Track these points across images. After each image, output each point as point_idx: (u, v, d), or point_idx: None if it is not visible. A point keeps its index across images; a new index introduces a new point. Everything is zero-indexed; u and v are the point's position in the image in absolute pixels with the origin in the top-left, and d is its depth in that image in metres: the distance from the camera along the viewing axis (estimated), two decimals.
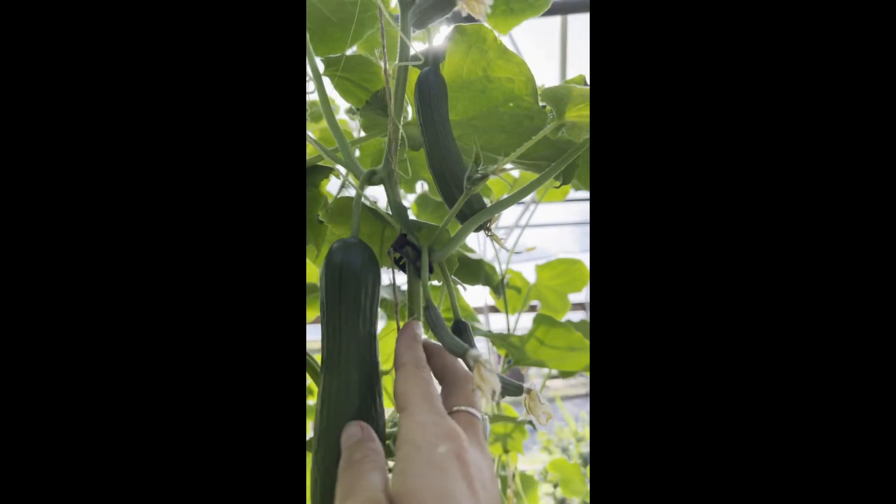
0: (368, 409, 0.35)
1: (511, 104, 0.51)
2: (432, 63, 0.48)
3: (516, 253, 1.15)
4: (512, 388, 0.37)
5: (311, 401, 0.95)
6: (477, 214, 0.46)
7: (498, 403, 1.03)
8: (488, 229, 0.50)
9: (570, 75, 0.54)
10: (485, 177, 0.39)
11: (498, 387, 0.29)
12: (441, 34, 0.50)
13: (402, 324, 0.40)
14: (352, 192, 0.51)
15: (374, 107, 0.58)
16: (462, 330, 0.40)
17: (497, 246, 0.56)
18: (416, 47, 0.48)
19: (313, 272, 0.75)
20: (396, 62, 0.47)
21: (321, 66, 0.57)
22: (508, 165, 0.45)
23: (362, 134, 0.62)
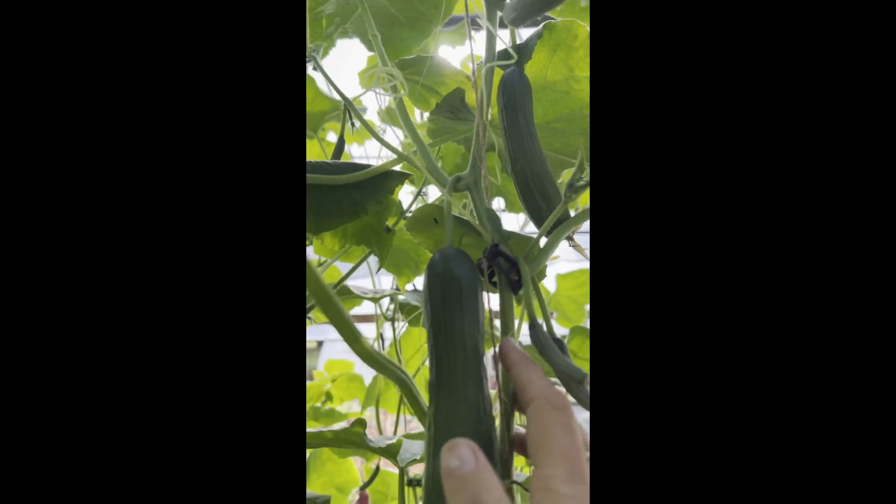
0: (487, 430, 0.32)
1: None
2: (518, 62, 0.46)
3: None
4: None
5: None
6: (566, 222, 0.43)
7: None
8: (571, 238, 0.48)
9: None
10: (588, 185, 0.36)
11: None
12: (521, 32, 0.47)
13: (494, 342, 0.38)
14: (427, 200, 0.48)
15: (443, 111, 0.56)
16: (563, 351, 0.37)
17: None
18: (479, 46, 0.46)
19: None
20: (483, 62, 0.45)
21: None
22: None
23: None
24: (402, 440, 0.55)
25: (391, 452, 0.54)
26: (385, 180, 0.51)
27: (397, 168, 0.51)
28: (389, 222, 0.57)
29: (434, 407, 0.34)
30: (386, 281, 0.96)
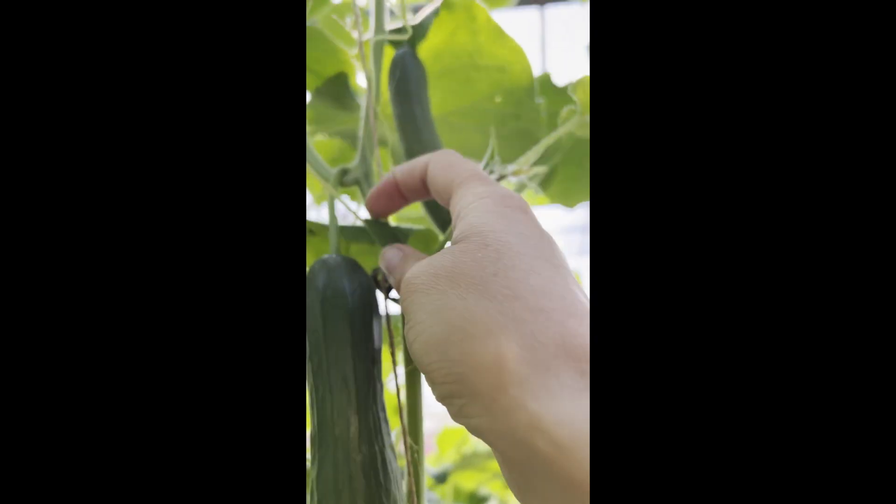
0: (387, 488, 0.24)
1: (499, 99, 0.44)
2: (410, 43, 0.40)
3: None
4: None
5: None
6: None
7: None
8: None
9: (550, 71, 0.49)
10: (501, 178, 0.31)
11: None
12: (419, 10, 0.41)
13: (397, 361, 0.31)
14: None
15: (324, 96, 0.48)
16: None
17: None
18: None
19: None
20: (369, 36, 0.38)
21: None
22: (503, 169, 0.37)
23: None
24: None
25: None
26: None
27: None
28: None
29: (316, 467, 0.26)
30: None
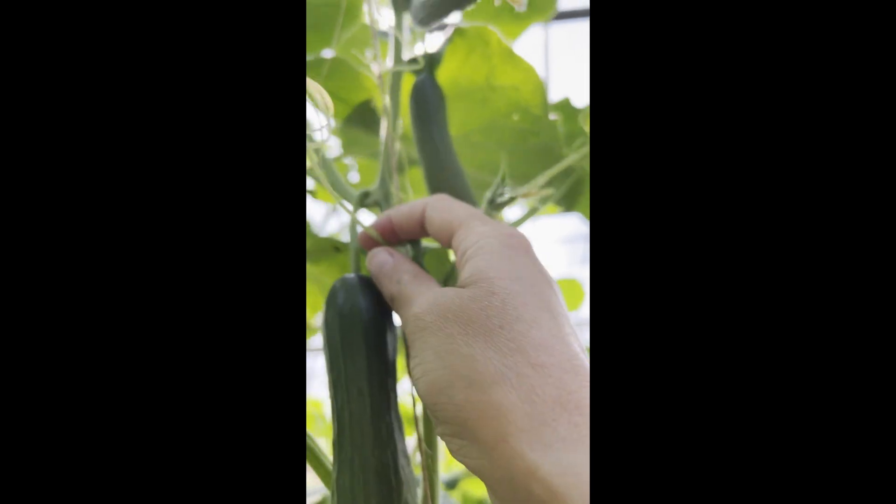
0: (401, 490, 0.27)
1: (516, 116, 0.45)
2: (428, 69, 0.42)
3: None
4: None
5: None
6: None
7: None
8: None
9: (554, 89, 0.49)
10: (511, 199, 0.33)
11: None
12: (433, 37, 0.44)
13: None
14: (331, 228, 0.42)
15: (354, 122, 0.51)
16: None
17: None
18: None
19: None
20: (389, 67, 0.40)
21: None
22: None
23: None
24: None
25: None
26: None
27: None
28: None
29: (337, 470, 0.28)
30: None
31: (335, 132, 0.51)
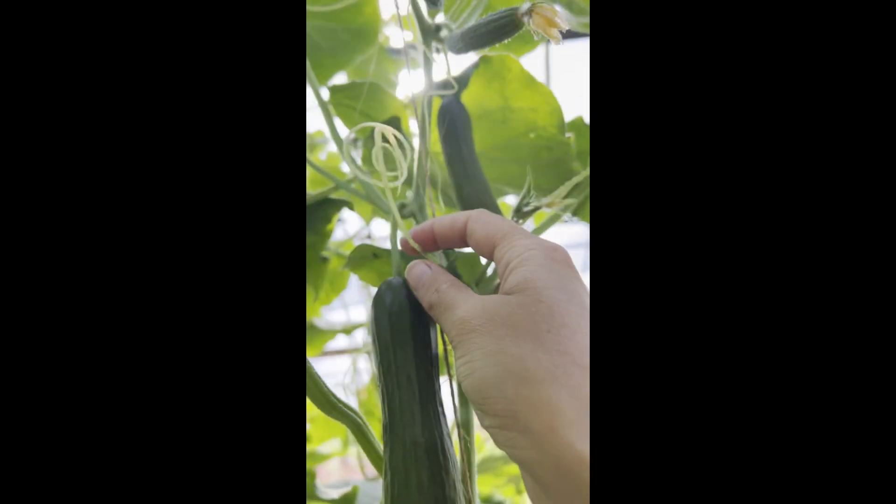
0: (445, 469, 0.30)
1: (532, 135, 0.50)
2: (456, 91, 0.46)
3: None
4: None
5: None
6: None
7: None
8: None
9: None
10: (536, 209, 0.37)
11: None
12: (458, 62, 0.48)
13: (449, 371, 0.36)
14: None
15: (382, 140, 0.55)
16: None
17: None
18: (405, 74, 0.46)
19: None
20: (422, 91, 0.45)
21: (325, 94, 0.53)
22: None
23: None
24: (357, 487, 0.50)
25: (348, 501, 0.49)
26: (321, 209, 0.48)
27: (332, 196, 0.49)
28: (346, 247, 0.54)
29: (389, 451, 0.32)
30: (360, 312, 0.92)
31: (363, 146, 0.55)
